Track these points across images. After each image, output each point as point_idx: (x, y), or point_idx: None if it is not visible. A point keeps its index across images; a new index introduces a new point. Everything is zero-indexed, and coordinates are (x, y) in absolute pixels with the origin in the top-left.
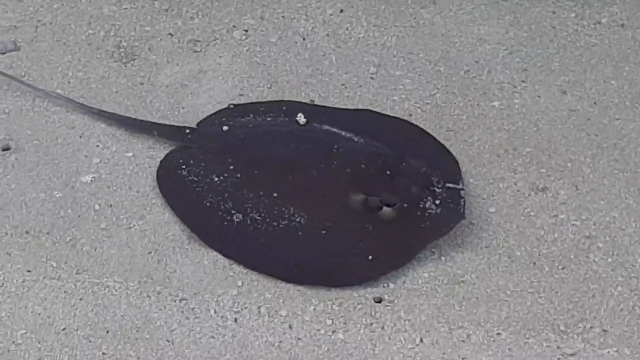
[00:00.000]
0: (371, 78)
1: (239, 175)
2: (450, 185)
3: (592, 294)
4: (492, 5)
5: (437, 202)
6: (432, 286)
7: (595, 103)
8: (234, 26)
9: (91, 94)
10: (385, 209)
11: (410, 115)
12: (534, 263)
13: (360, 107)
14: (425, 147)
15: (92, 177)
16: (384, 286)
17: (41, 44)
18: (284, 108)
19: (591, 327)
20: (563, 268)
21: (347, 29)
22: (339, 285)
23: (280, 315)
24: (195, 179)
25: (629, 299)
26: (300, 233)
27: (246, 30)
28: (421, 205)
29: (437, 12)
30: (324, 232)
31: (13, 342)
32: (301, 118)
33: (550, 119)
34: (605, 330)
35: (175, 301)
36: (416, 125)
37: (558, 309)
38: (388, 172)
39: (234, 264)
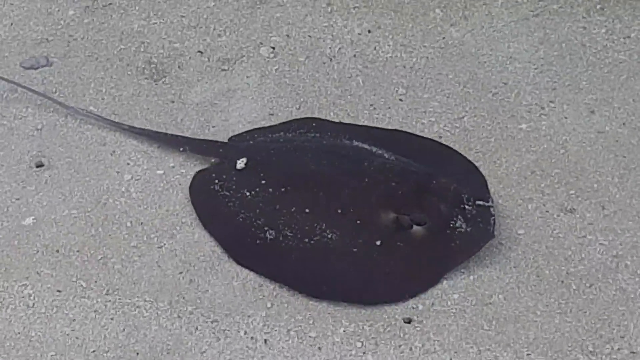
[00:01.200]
0: (400, 100)
1: (270, 190)
2: (480, 202)
3: (621, 314)
4: (523, 22)
5: (467, 220)
6: (461, 307)
7: (624, 124)
8: (261, 43)
9: (123, 110)
10: (415, 227)
11: (440, 137)
12: (562, 282)
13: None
14: (454, 165)
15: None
16: (413, 307)
17: (73, 59)
18: (314, 124)
19: (619, 349)
20: (591, 286)
21: (375, 48)
22: (369, 303)
23: (310, 337)
24: (228, 193)
25: None
26: (331, 250)
27: (273, 48)
28: (451, 224)
29: (468, 30)
30: (355, 249)
31: None
32: (241, 164)
33: (578, 140)
34: (634, 352)
35: (206, 322)
36: (445, 145)
37: (586, 329)
38: (419, 190)
39: (264, 285)
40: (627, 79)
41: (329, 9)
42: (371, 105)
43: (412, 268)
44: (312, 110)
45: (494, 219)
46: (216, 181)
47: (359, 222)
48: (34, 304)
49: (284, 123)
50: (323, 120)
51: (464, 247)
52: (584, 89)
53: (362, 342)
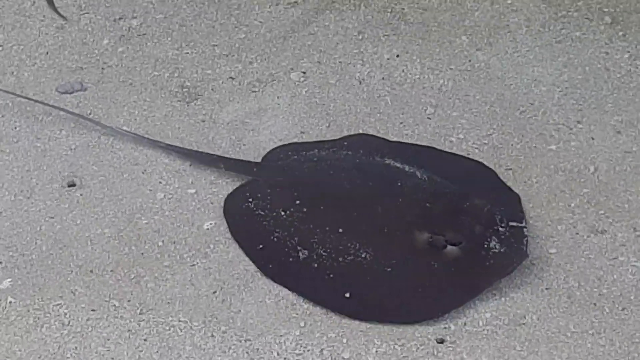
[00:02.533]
0: (428, 118)
1: (305, 209)
2: (514, 224)
3: None
4: (546, 47)
5: (501, 241)
6: (493, 327)
7: None
8: (292, 69)
9: (155, 130)
10: (449, 247)
11: (468, 154)
12: (595, 304)
13: None
14: (487, 184)
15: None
16: (445, 327)
17: (107, 84)
18: (345, 143)
19: None
20: (623, 309)
21: (403, 71)
22: (402, 323)
23: (343, 358)
24: (262, 212)
25: None
26: (365, 269)
27: (304, 72)
28: (485, 245)
29: (493, 54)
30: (388, 269)
31: None
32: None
33: (606, 160)
34: None
35: (240, 341)
36: (478, 162)
37: (619, 351)
38: (453, 210)
39: (297, 304)
40: None
41: (360, 37)
42: (401, 123)
43: (446, 288)
44: (342, 128)
45: (527, 239)
46: (250, 200)
47: (392, 241)
48: (69, 322)
49: (318, 142)
50: (358, 135)
51: (498, 267)
52: (609, 111)
53: None
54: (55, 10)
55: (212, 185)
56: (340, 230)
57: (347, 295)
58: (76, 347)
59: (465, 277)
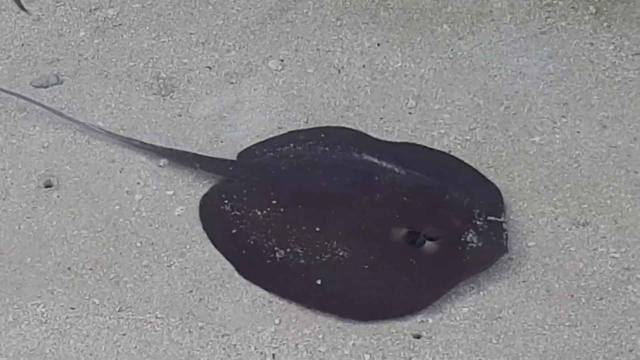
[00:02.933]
0: (409, 113)
1: (281, 209)
2: (492, 218)
3: (630, 326)
4: (531, 38)
5: (480, 235)
6: (471, 321)
7: (635, 139)
8: (270, 57)
9: (131, 124)
10: (428, 243)
11: (450, 151)
12: (572, 296)
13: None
14: (466, 178)
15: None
16: (422, 321)
17: (83, 77)
18: (322, 135)
19: None
20: (601, 299)
21: (384, 59)
22: (381, 319)
23: (319, 351)
24: (238, 213)
25: None
26: (343, 267)
27: (282, 60)
28: (463, 239)
29: (476, 44)
30: (366, 266)
31: None
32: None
33: (591, 155)
34: None
35: (217, 337)
36: (457, 158)
37: (596, 343)
38: (430, 205)
39: (273, 302)
40: (636, 95)
41: (338, 24)
42: (381, 118)
43: (424, 283)
44: (320, 123)
45: (506, 234)
46: (226, 201)
47: (370, 238)
48: (47, 320)
49: (290, 133)
50: (334, 128)
51: (476, 262)
52: (595, 104)
53: (371, 355)
54: (18, 2)
55: (189, 187)
56: (318, 229)
57: (319, 282)
58: (55, 344)
59: (443, 273)
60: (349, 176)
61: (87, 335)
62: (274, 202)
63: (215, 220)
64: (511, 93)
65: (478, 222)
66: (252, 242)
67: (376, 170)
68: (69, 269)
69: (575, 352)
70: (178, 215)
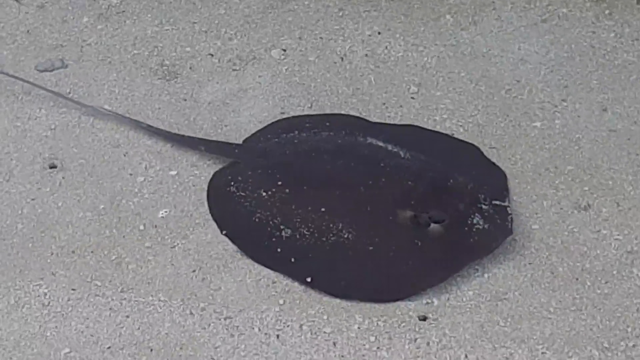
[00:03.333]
0: (412, 98)
1: (287, 190)
2: (497, 202)
3: (636, 309)
4: (532, 26)
5: (485, 218)
6: (476, 303)
7: (635, 122)
8: (272, 46)
9: (135, 109)
10: (433, 225)
11: (453, 134)
12: (577, 279)
13: None
14: (473, 161)
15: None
16: (427, 303)
17: (87, 62)
18: (327, 123)
19: (634, 345)
20: (606, 283)
21: (386, 47)
22: (386, 301)
23: (324, 332)
24: (244, 194)
25: None
26: (348, 248)
27: (284, 50)
28: (469, 222)
29: (478, 32)
30: (371, 248)
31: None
32: None
33: (591, 138)
34: None
35: (219, 319)
36: (462, 140)
37: (601, 326)
38: (436, 188)
39: (277, 282)
40: (637, 79)
41: (340, 14)
42: (383, 103)
43: (429, 265)
44: (324, 108)
45: (511, 217)
46: (232, 183)
47: (376, 220)
48: (49, 302)
49: (295, 117)
50: (335, 115)
51: (481, 244)
52: (595, 88)
53: (376, 337)
54: None
55: (193, 168)
56: (323, 209)
57: (309, 280)
58: (56, 326)
59: (448, 255)
60: (355, 160)
61: (88, 318)
62: (279, 183)
63: (222, 202)
64: (512, 79)
65: (483, 206)
66: (257, 221)
67: (381, 154)
68: (73, 252)
69: (581, 336)
70: (181, 196)
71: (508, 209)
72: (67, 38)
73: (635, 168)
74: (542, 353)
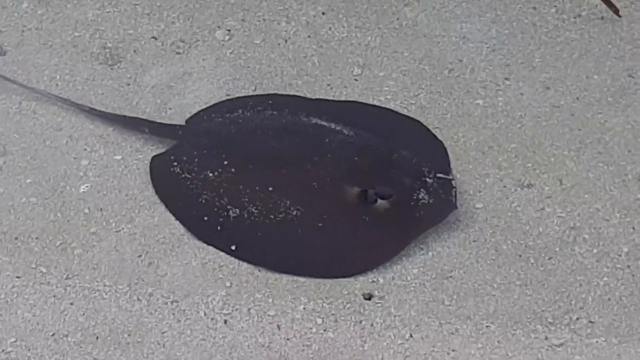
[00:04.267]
0: (355, 80)
1: (233, 170)
2: (441, 175)
3: (579, 285)
4: (474, 3)
5: (430, 192)
6: (421, 281)
7: (577, 99)
8: (217, 27)
9: (77, 95)
10: (380, 201)
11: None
12: (520, 256)
13: None
14: (413, 135)
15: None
16: (373, 282)
17: (27, 47)
18: (270, 102)
19: (578, 318)
20: (550, 259)
21: (330, 29)
22: (336, 277)
23: (269, 315)
24: (189, 175)
25: (615, 289)
26: (297, 226)
27: (229, 31)
28: (414, 196)
29: (421, 10)
30: (320, 224)
31: (3, 350)
32: None
33: (534, 115)
34: (592, 322)
35: (166, 304)
36: (403, 114)
37: (545, 301)
38: (381, 164)
39: (224, 265)
40: (579, 57)
41: None
42: (328, 85)
43: (378, 240)
44: (268, 91)
45: (455, 191)
46: (175, 164)
47: (323, 197)
48: None
49: (238, 98)
50: (281, 95)
51: (427, 218)
52: (537, 66)
53: (322, 319)
54: None
55: (137, 152)
56: (271, 188)
57: (233, 247)
58: (1, 314)
59: (396, 229)
60: (299, 137)
61: (34, 305)
62: (225, 163)
63: (166, 183)
64: (455, 58)
65: (428, 180)
66: (204, 202)
67: (326, 132)
68: (16, 238)
69: (526, 311)
70: (126, 180)
71: (452, 182)
72: (7, 24)
73: (577, 144)
74: (487, 327)
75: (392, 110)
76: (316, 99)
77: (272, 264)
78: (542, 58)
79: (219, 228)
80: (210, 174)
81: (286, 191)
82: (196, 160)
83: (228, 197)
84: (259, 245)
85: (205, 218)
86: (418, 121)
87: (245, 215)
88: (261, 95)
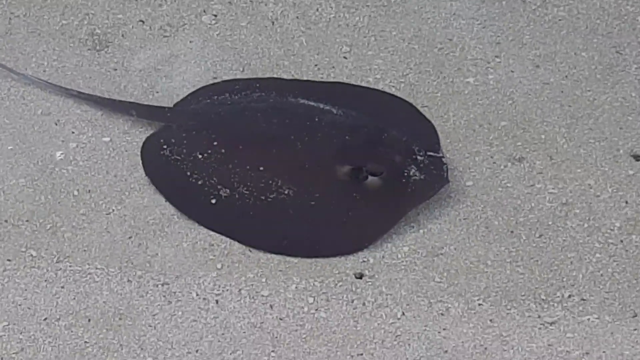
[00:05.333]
0: (344, 58)
1: (223, 151)
2: (432, 153)
3: (570, 261)
4: None
5: (421, 169)
6: (412, 259)
7: (567, 76)
8: (204, 11)
9: (66, 81)
10: (371, 178)
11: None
12: (512, 232)
13: None
14: (403, 115)
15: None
16: (364, 261)
17: (15, 35)
18: (257, 84)
19: (570, 296)
20: (540, 236)
21: (318, 9)
22: (330, 255)
23: (262, 296)
24: (179, 157)
25: (607, 265)
26: (288, 205)
27: (215, 15)
28: (405, 173)
29: None
30: (312, 203)
31: None
32: None
33: (525, 92)
34: (585, 299)
35: (157, 286)
36: (391, 94)
37: (538, 278)
38: (371, 142)
39: (214, 245)
40: (567, 34)
41: None
42: (315, 65)
43: (370, 217)
44: (256, 72)
45: (446, 167)
46: (165, 147)
47: (314, 176)
48: None
49: (225, 82)
50: (267, 78)
51: (419, 193)
52: (527, 43)
53: (314, 298)
54: None
55: (126, 134)
56: (261, 168)
57: (213, 201)
58: None
59: (388, 205)
60: (289, 117)
61: (25, 289)
62: (214, 144)
63: (157, 166)
64: (444, 37)
65: (418, 157)
66: (195, 183)
67: (315, 111)
68: (6, 221)
69: (518, 287)
70: (114, 162)
71: (443, 159)
72: None
73: (568, 120)
74: (479, 305)
75: (380, 91)
76: (304, 81)
77: (264, 244)
78: (531, 35)
79: (210, 208)
80: (200, 156)
81: (277, 171)
82: (185, 142)
83: (218, 177)
84: (250, 226)
85: (197, 199)
86: (407, 101)
87: (237, 196)
88: (248, 79)
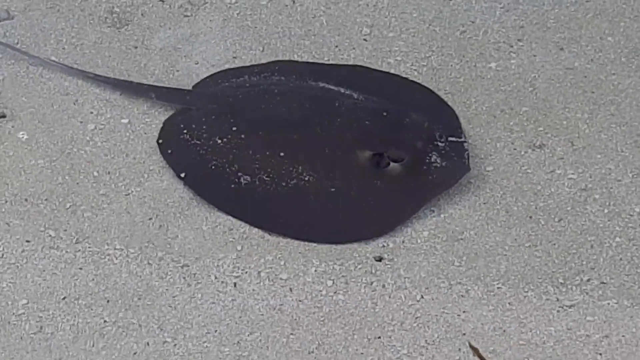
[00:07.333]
0: (364, 40)
1: (242, 136)
2: (453, 139)
3: (590, 245)
4: None
5: (442, 156)
6: (432, 244)
7: (592, 60)
8: None
9: (85, 59)
10: (392, 164)
11: (407, 76)
12: (531, 217)
13: None
14: (422, 100)
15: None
16: (383, 245)
17: (34, 12)
18: (277, 67)
19: (589, 280)
20: (560, 220)
21: None
22: (350, 241)
23: (281, 279)
24: (198, 142)
25: (627, 249)
26: (309, 191)
27: None
28: (427, 160)
29: None
30: (333, 189)
31: (14, 312)
32: None
33: (547, 78)
34: (604, 283)
35: (177, 267)
36: (411, 80)
37: (556, 262)
38: (393, 128)
39: (234, 229)
40: (593, 17)
41: None
42: (336, 46)
43: (391, 204)
44: (276, 52)
45: (468, 153)
46: (185, 131)
47: (335, 162)
48: (3, 254)
49: (247, 67)
50: (287, 61)
51: (440, 181)
52: (551, 27)
53: (333, 281)
54: None
55: (144, 115)
56: (282, 154)
57: (182, 175)
58: (12, 278)
59: (409, 192)
60: (309, 101)
61: (44, 270)
62: (234, 129)
63: (176, 150)
64: (467, 20)
65: (440, 143)
66: (215, 170)
67: (335, 96)
68: (25, 200)
69: (536, 271)
70: (133, 144)
71: (465, 144)
72: None
73: (590, 106)
74: (498, 288)
75: (399, 76)
76: (323, 64)
77: (285, 231)
78: (556, 19)
79: (231, 195)
80: (219, 141)
81: (297, 157)
82: (204, 126)
83: (238, 163)
84: (271, 213)
85: (217, 185)
86: (427, 87)
87: (257, 182)
88: (266, 63)
